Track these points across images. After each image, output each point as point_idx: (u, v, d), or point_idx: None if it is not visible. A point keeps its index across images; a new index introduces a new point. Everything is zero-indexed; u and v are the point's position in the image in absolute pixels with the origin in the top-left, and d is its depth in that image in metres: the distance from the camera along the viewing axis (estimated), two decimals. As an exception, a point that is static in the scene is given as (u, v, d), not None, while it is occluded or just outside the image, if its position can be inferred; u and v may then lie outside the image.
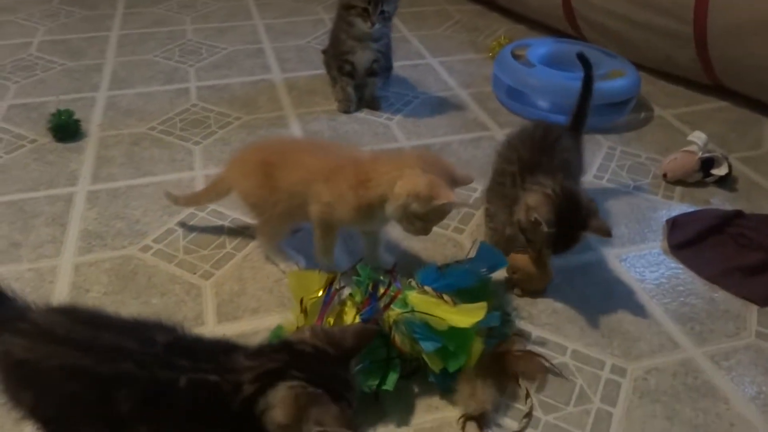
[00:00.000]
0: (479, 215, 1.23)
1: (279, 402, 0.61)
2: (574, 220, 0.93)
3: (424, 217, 0.90)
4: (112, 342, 0.67)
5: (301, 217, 1.02)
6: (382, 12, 1.47)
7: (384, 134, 1.51)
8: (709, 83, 1.68)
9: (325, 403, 0.61)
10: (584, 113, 1.17)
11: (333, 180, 0.95)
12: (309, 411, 0.61)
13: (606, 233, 0.95)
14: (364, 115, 1.60)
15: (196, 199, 1.18)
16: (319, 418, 0.60)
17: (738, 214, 1.20)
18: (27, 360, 0.67)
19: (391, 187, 0.89)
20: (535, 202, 0.93)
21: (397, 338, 0.86)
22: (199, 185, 1.30)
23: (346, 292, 0.93)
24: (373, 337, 0.73)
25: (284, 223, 1.05)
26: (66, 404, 0.66)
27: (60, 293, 1.04)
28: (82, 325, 0.70)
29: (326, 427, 0.60)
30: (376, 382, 0.84)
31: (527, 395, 0.87)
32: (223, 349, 0.68)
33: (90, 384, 0.64)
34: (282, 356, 0.65)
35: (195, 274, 1.08)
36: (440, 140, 1.49)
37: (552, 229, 0.92)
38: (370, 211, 0.93)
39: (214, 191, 1.12)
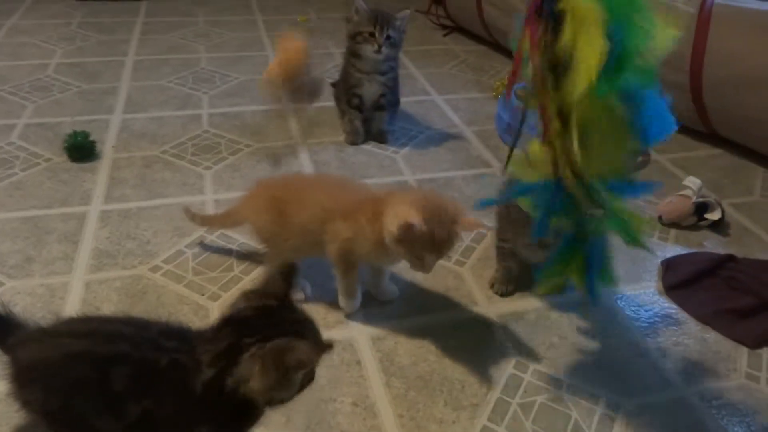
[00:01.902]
0: (481, 249, 1.27)
1: (251, 374, 0.63)
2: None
3: (411, 249, 0.93)
4: (112, 329, 0.71)
5: (313, 252, 1.05)
6: (388, 37, 1.54)
7: (390, 167, 1.56)
8: (705, 131, 1.74)
9: (292, 346, 0.63)
10: None
11: (352, 216, 0.98)
12: (283, 362, 0.62)
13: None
14: (370, 147, 1.65)
15: (210, 222, 1.22)
16: (296, 361, 0.62)
17: (730, 258, 1.24)
18: (34, 359, 0.70)
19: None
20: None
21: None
22: (209, 209, 1.33)
23: None
24: (295, 274, 0.74)
25: (294, 256, 1.08)
26: (70, 390, 0.69)
27: (71, 309, 1.06)
28: (84, 321, 0.76)
29: (309, 365, 0.62)
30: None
31: None
32: (198, 333, 0.71)
33: (90, 365, 0.68)
34: (227, 332, 0.67)
35: (203, 295, 1.11)
36: (444, 175, 1.53)
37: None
38: (387, 246, 0.96)
39: (229, 220, 1.17)
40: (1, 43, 2.19)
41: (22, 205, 1.33)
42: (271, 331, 0.65)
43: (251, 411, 0.69)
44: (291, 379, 0.64)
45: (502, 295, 1.16)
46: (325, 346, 0.66)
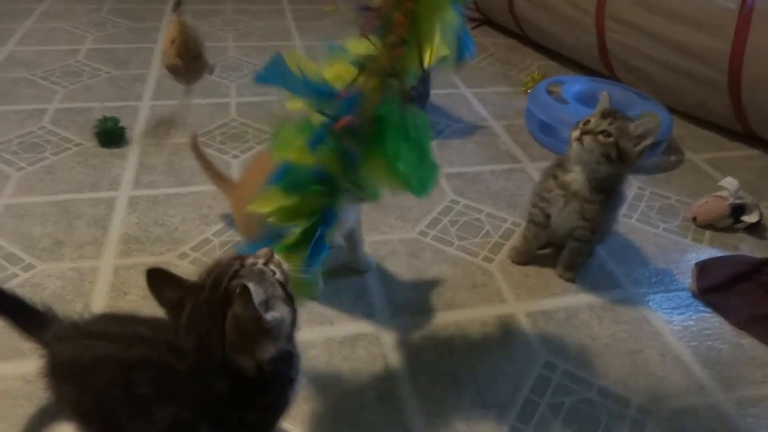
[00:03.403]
0: (510, 245, 1.25)
1: (238, 338, 0.62)
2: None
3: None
4: (133, 331, 0.71)
5: None
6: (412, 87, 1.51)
7: (417, 160, 1.54)
8: (741, 130, 1.69)
9: (250, 295, 0.60)
10: None
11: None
12: (241, 306, 0.61)
13: None
14: (397, 139, 1.63)
15: (206, 165, 1.21)
16: (253, 299, 0.60)
17: (766, 262, 1.20)
18: (69, 359, 0.71)
19: None
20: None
21: None
22: (237, 198, 1.33)
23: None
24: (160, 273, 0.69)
25: None
26: (101, 393, 0.69)
27: (99, 294, 1.07)
28: (112, 321, 0.75)
29: (279, 311, 0.62)
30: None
31: None
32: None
33: (116, 370, 0.68)
34: (186, 334, 0.65)
35: (230, 284, 1.11)
36: (472, 169, 1.51)
37: None
38: None
39: (217, 181, 1.19)
40: (32, 28, 2.21)
41: (52, 189, 1.34)
42: (214, 320, 0.63)
43: (288, 362, 0.69)
44: (268, 321, 0.62)
45: (514, 262, 1.19)
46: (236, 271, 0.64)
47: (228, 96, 1.80)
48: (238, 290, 0.60)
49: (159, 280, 0.66)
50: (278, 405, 0.71)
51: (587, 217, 1.08)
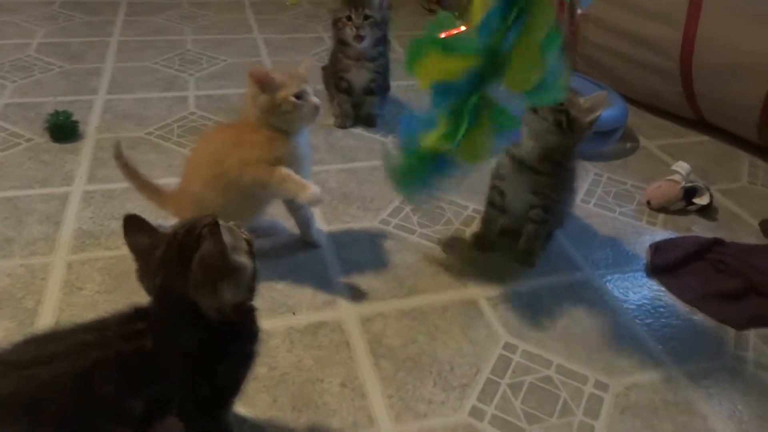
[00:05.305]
0: (471, 232, 1.26)
1: (205, 292, 0.63)
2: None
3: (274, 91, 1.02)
4: (77, 341, 0.67)
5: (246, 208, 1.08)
6: (367, 17, 1.51)
7: (379, 150, 1.54)
8: (693, 118, 1.75)
9: (201, 251, 0.63)
10: None
11: (238, 142, 1.04)
12: (204, 261, 0.63)
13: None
14: (360, 131, 1.63)
15: (132, 176, 1.18)
16: (208, 252, 0.62)
17: (717, 242, 1.24)
18: (10, 394, 0.64)
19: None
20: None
21: None
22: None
23: None
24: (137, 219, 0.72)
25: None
26: (61, 416, 0.64)
27: (52, 290, 1.04)
28: (41, 343, 0.69)
29: (218, 245, 0.63)
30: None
31: None
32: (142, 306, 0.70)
33: (72, 385, 0.64)
34: (159, 290, 0.67)
35: (189, 276, 1.09)
36: (433, 159, 1.52)
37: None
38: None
39: (146, 192, 1.17)
40: (-20, 22, 2.13)
41: (1, 186, 1.30)
42: (183, 260, 0.64)
43: (247, 315, 0.71)
44: (233, 264, 0.65)
45: (475, 248, 1.21)
46: (210, 221, 0.65)
47: (186, 89, 1.77)
48: (208, 225, 0.63)
49: (135, 226, 0.69)
50: (245, 357, 0.72)
51: (537, 190, 1.11)
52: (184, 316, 0.65)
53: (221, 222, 0.66)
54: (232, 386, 0.73)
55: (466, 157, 1.00)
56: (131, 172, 1.17)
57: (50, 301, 1.01)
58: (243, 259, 0.67)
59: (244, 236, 0.70)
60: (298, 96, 1.02)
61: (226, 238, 0.64)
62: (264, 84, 1.01)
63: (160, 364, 0.66)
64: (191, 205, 1.05)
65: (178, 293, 0.64)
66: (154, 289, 0.67)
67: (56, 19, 2.22)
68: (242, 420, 0.84)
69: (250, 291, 0.70)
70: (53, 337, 0.70)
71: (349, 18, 1.51)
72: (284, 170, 1.02)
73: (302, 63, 1.08)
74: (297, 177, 1.02)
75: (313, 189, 1.01)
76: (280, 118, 1.03)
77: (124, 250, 1.12)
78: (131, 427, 0.66)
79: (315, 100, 1.04)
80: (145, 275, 0.67)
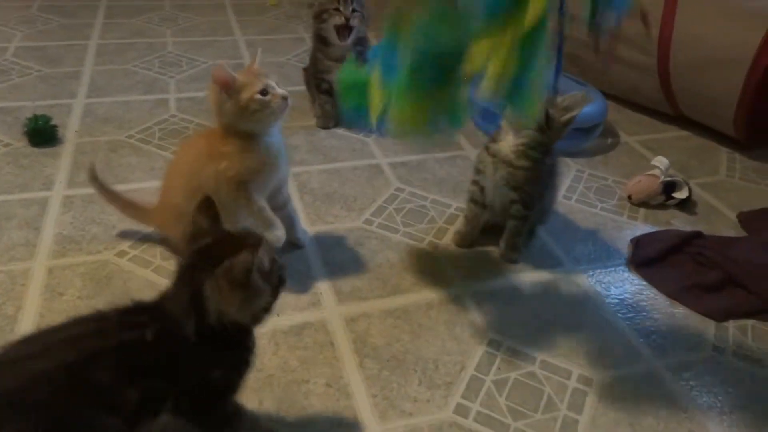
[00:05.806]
0: (452, 230, 1.27)
1: (220, 301, 0.66)
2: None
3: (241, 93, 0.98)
4: (71, 333, 0.67)
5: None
6: (354, 10, 1.51)
7: (361, 150, 1.54)
8: (672, 113, 1.77)
9: (233, 261, 0.65)
10: None
11: (212, 151, 1.02)
12: (233, 274, 0.65)
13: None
14: (342, 131, 1.63)
15: (111, 197, 1.17)
16: (241, 267, 0.65)
17: (697, 235, 1.26)
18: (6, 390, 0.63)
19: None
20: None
21: None
22: (177, 193, 1.30)
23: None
24: (212, 204, 0.76)
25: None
26: (56, 412, 0.63)
27: (33, 296, 1.03)
28: (33, 340, 0.68)
29: (252, 264, 0.65)
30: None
31: None
32: (159, 297, 0.72)
33: (66, 376, 0.63)
34: (183, 282, 0.69)
35: (171, 279, 1.08)
36: (416, 158, 1.53)
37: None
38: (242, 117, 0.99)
39: (129, 211, 1.16)
40: (-45, 26, 2.10)
41: (-21, 191, 1.28)
42: (215, 259, 0.67)
43: (244, 335, 0.73)
44: (253, 285, 0.67)
45: (458, 245, 1.22)
46: (260, 239, 0.69)
47: (167, 92, 1.76)
48: (254, 242, 0.67)
49: (207, 209, 0.72)
50: (237, 365, 0.74)
51: (514, 184, 1.12)
52: (190, 309, 0.67)
53: (268, 247, 0.69)
54: (226, 389, 0.74)
55: (393, 120, 0.94)
56: (109, 195, 1.16)
57: (31, 307, 1.00)
58: (264, 287, 0.69)
59: (280, 273, 0.72)
60: (263, 92, 0.99)
61: (262, 262, 0.67)
62: (228, 87, 0.97)
63: (159, 357, 0.67)
64: (174, 218, 1.04)
65: (196, 283, 0.66)
66: (179, 270, 0.70)
67: (34, 23, 2.19)
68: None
69: (255, 318, 0.71)
70: (49, 331, 0.69)
71: (336, 9, 1.52)
72: (259, 203, 1.03)
73: (253, 60, 1.04)
74: (268, 214, 1.04)
75: (277, 233, 1.03)
76: (250, 120, 0.99)
77: (106, 255, 1.12)
78: (123, 417, 0.65)
79: (281, 91, 1.00)
80: (185, 246, 0.71)
